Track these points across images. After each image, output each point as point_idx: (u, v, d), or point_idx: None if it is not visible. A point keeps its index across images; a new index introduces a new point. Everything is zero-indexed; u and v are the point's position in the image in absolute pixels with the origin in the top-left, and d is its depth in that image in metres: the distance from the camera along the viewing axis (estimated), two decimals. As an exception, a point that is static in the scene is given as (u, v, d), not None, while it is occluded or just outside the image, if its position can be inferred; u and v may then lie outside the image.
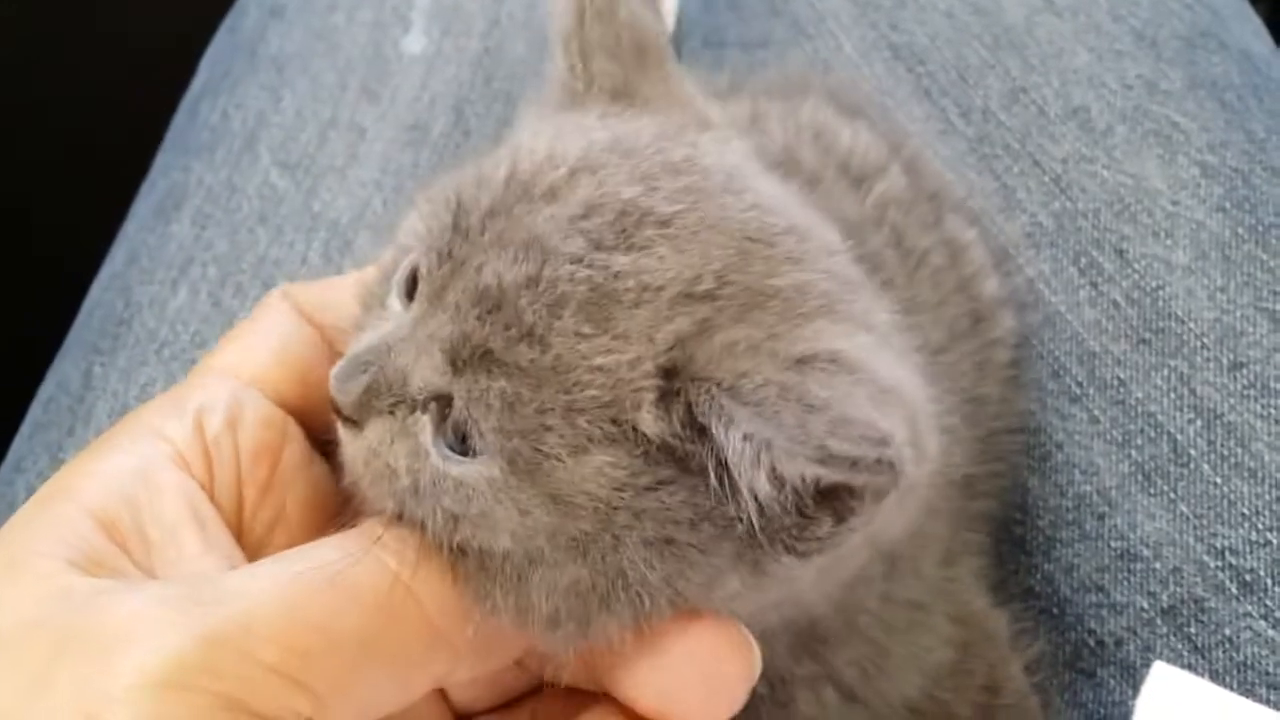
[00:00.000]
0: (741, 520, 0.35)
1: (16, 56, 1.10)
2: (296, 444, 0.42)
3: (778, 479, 0.33)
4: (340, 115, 0.69)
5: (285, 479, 0.41)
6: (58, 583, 0.35)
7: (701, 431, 0.34)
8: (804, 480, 0.33)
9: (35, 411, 0.64)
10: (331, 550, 0.36)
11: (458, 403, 0.36)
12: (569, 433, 0.35)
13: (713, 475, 0.35)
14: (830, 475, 0.33)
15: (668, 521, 0.35)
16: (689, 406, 0.34)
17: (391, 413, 0.37)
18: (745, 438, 0.33)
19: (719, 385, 0.34)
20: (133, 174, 0.75)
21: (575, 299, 0.35)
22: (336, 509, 0.42)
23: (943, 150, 0.68)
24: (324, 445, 0.43)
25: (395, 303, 0.40)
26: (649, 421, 0.35)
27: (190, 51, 0.81)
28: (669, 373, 0.35)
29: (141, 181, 0.74)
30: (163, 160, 0.74)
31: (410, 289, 0.39)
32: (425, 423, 0.37)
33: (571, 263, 0.36)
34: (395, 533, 0.37)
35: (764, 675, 0.41)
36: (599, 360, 0.35)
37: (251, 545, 0.40)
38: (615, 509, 0.35)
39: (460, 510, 0.36)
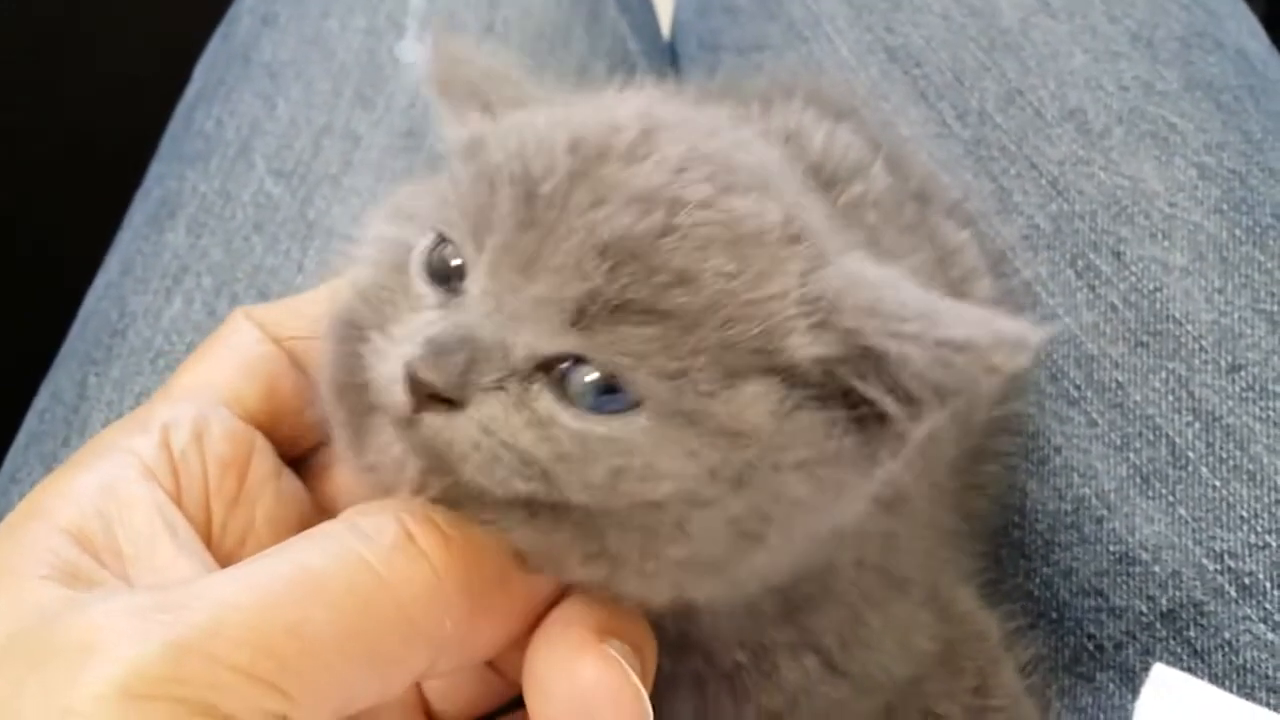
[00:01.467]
0: (870, 423, 0.38)
1: (8, 65, 1.09)
2: (264, 457, 0.42)
3: (922, 378, 0.36)
4: (335, 122, 0.69)
5: (253, 492, 0.41)
6: (33, 596, 0.35)
7: (851, 352, 0.37)
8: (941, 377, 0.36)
9: (31, 422, 0.64)
10: (302, 548, 0.35)
11: (598, 359, 0.36)
12: (723, 368, 0.36)
13: (859, 384, 0.37)
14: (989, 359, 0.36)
15: (810, 441, 0.37)
16: (841, 329, 0.37)
17: (501, 388, 0.36)
18: (898, 341, 0.36)
19: (862, 306, 0.37)
20: (129, 182, 0.75)
21: (719, 240, 0.37)
22: (306, 520, 0.41)
23: (939, 153, 0.67)
24: (292, 459, 0.43)
25: (426, 289, 0.38)
26: (801, 346, 0.37)
27: (185, 59, 0.81)
28: (812, 300, 0.37)
29: (137, 190, 0.74)
30: (157, 169, 0.74)
31: (441, 274, 0.38)
32: (541, 391, 0.37)
33: (701, 208, 0.37)
34: (369, 521, 0.36)
35: (745, 644, 0.43)
36: (749, 295, 0.36)
37: (221, 558, 0.39)
38: (771, 435, 0.36)
39: (622, 464, 0.36)
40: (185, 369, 0.44)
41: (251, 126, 0.70)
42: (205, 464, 0.40)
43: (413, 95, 0.71)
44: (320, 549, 0.35)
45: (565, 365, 0.36)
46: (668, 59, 0.85)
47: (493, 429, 0.36)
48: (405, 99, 0.70)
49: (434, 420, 0.36)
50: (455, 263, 0.38)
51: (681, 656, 0.43)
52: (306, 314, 0.43)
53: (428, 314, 0.38)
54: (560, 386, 0.36)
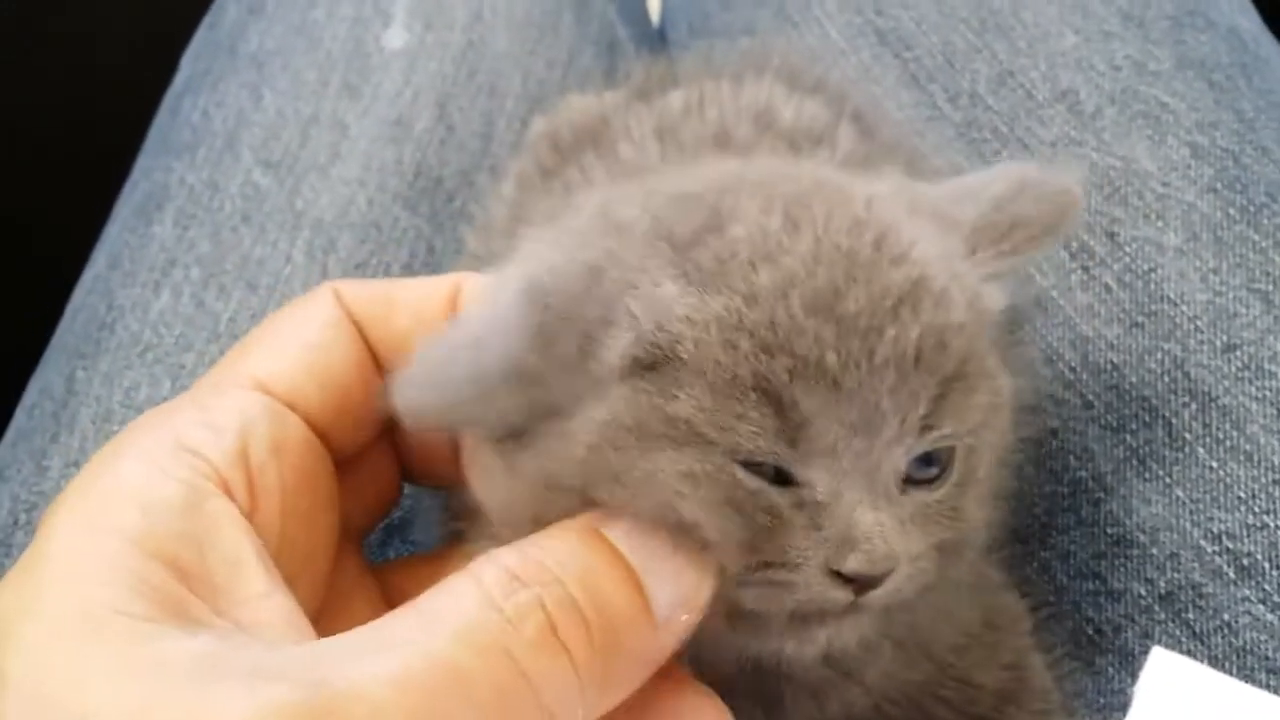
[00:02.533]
0: None
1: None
2: (328, 472, 0.41)
3: None
4: (322, 112, 0.69)
5: (319, 511, 0.40)
6: (149, 651, 0.33)
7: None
8: None
9: (20, 418, 0.63)
10: (449, 635, 0.34)
11: (941, 444, 0.39)
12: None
13: None
14: None
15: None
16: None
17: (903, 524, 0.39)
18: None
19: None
20: (117, 175, 0.74)
21: (937, 284, 0.39)
22: (351, 536, 0.42)
23: (931, 136, 0.67)
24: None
25: (779, 502, 0.38)
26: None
27: (172, 51, 0.80)
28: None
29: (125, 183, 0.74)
30: (145, 161, 0.73)
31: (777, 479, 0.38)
32: (904, 496, 0.39)
33: (912, 268, 0.39)
34: (514, 604, 0.35)
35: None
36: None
37: (285, 579, 0.38)
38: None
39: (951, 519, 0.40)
40: (252, 349, 0.42)
41: (238, 117, 0.70)
42: (283, 480, 0.39)
43: (400, 84, 0.70)
44: (468, 643, 0.34)
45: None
46: (657, 45, 0.85)
47: (915, 555, 0.38)
48: (393, 88, 0.70)
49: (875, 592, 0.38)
50: (780, 467, 0.38)
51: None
52: (403, 303, 0.42)
53: (799, 529, 0.38)
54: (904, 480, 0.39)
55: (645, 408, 0.37)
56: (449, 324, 0.41)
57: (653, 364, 0.37)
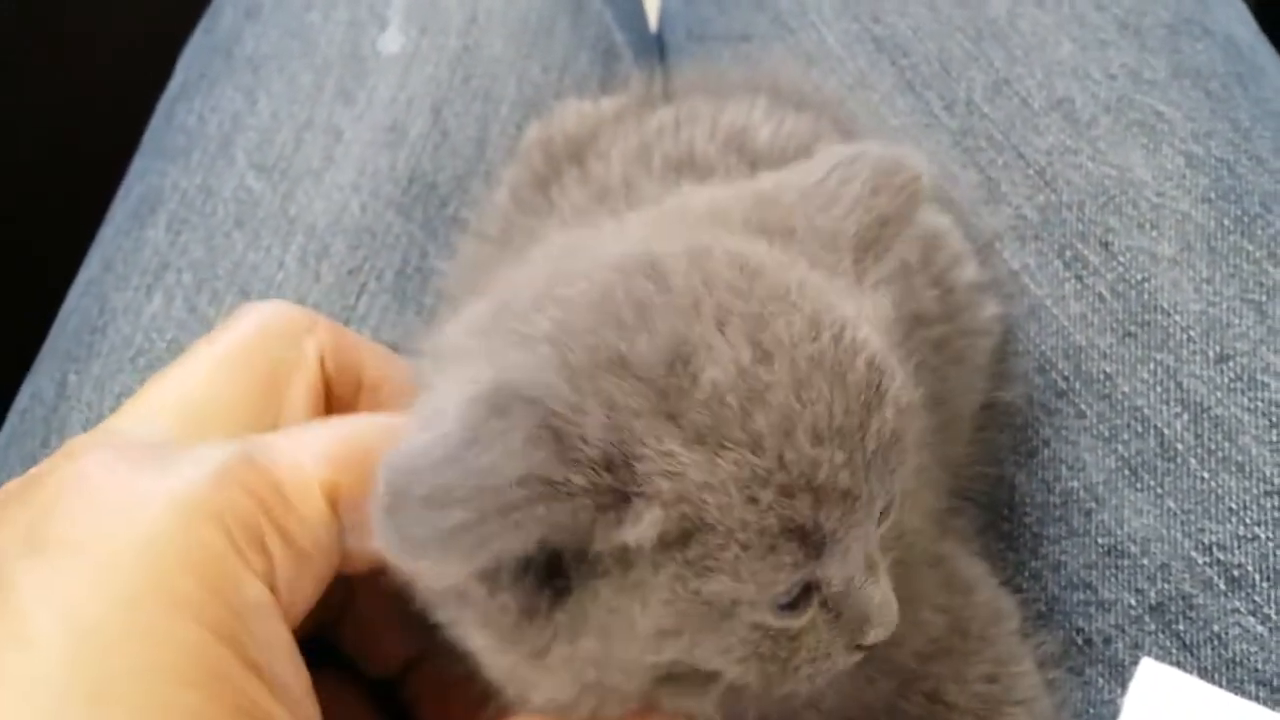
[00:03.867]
0: None
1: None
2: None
3: None
4: (316, 117, 0.69)
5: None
6: None
7: None
8: None
9: (12, 422, 0.63)
10: None
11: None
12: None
13: None
14: None
15: None
16: None
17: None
18: None
19: None
20: (113, 179, 0.74)
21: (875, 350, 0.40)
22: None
23: (927, 143, 0.67)
24: None
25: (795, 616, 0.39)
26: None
27: (169, 54, 0.80)
28: None
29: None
30: (139, 164, 0.73)
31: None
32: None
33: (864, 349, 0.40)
34: None
35: None
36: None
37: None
38: None
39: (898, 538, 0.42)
40: (287, 439, 0.40)
41: (233, 121, 0.69)
42: (317, 581, 0.40)
43: (395, 89, 0.70)
44: None
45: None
46: (655, 50, 0.84)
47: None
48: (387, 93, 0.70)
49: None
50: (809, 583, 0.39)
51: None
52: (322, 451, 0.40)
53: (822, 625, 0.39)
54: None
55: (684, 594, 0.37)
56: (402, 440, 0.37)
57: (681, 536, 0.36)
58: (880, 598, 0.39)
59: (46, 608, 0.34)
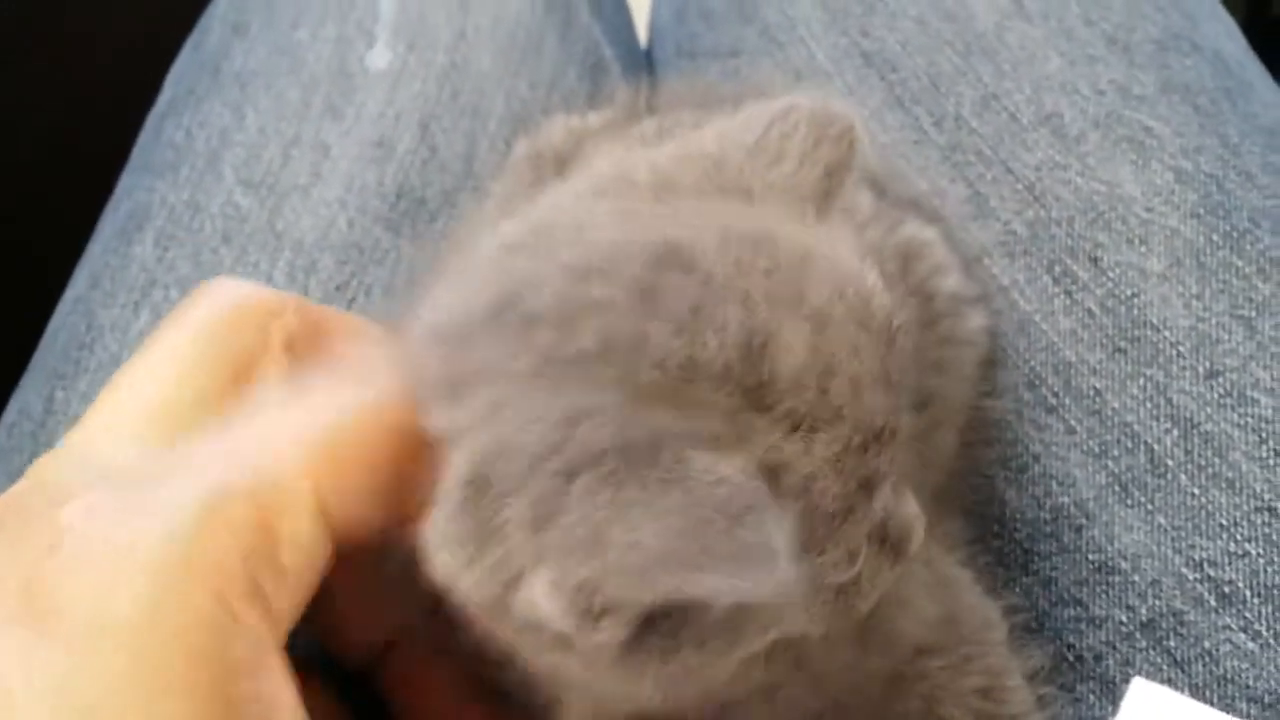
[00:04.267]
0: None
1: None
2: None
3: None
4: (304, 133, 0.68)
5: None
6: None
7: None
8: None
9: (-1, 438, 0.63)
10: None
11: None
12: None
13: None
14: None
15: None
16: None
17: None
18: None
19: None
20: (113, 180, 0.74)
21: None
22: None
23: (915, 158, 0.67)
24: None
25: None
26: None
27: (169, 55, 0.80)
28: None
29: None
30: (127, 180, 0.73)
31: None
32: None
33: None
34: None
35: None
36: None
37: None
38: None
39: None
40: (296, 454, 0.39)
41: (221, 137, 0.69)
42: (300, 600, 0.38)
43: (383, 105, 0.70)
44: None
45: None
46: (644, 65, 0.84)
47: None
48: (375, 108, 0.70)
49: None
50: None
51: None
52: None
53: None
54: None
55: None
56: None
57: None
58: (913, 509, 0.40)
59: (30, 682, 0.33)
